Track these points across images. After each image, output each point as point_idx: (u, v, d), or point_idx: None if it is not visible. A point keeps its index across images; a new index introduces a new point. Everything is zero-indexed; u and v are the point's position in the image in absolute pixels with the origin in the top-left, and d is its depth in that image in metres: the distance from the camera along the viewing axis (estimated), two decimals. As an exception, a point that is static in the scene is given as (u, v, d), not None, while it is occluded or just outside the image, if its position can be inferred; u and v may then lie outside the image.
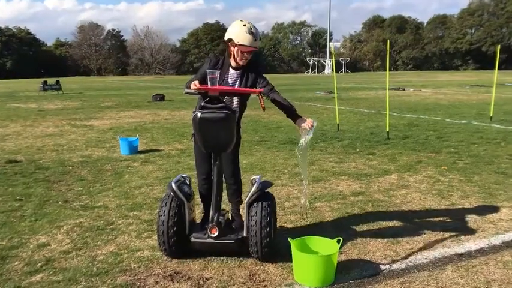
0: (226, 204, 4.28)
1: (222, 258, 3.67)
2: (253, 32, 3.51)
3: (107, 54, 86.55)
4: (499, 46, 13.80)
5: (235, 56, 3.63)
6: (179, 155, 7.87)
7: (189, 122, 11.89)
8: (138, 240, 4.09)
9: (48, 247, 3.95)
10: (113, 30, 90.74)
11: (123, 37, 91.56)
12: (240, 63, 3.66)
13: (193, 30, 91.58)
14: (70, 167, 7.01)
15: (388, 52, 9.71)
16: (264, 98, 3.59)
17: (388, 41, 10.11)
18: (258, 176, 3.80)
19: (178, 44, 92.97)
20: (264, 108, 3.53)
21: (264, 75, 3.80)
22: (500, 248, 3.86)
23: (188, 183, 3.95)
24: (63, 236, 4.20)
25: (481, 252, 3.79)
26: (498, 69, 12.76)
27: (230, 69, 3.72)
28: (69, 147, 8.80)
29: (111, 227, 4.43)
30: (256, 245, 3.50)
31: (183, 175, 4.02)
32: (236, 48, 3.57)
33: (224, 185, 3.84)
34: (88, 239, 4.12)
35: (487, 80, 32.20)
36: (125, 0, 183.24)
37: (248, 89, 3.65)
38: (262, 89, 3.59)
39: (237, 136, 3.82)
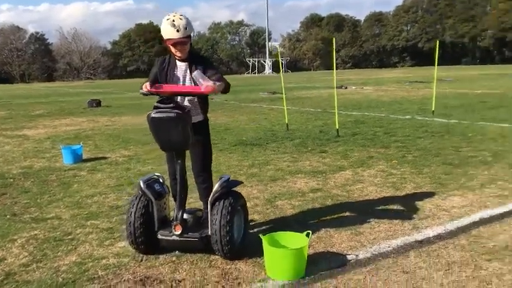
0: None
1: (192, 259, 3.63)
2: (174, 24, 3.51)
3: (30, 59, 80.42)
4: (438, 41, 14.33)
5: (171, 50, 3.68)
6: (128, 161, 7.65)
7: (133, 128, 11.65)
8: (100, 248, 3.96)
9: (5, 261, 3.76)
10: (37, 33, 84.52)
11: (48, 40, 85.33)
12: (177, 55, 3.69)
13: (125, 31, 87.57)
14: (11, 180, 6.65)
15: (333, 50, 9.90)
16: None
17: (334, 38, 10.34)
18: (226, 175, 3.78)
19: (109, 47, 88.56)
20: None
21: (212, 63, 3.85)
22: (456, 232, 4.07)
23: (161, 181, 3.93)
24: (18, 249, 4.00)
25: (439, 237, 3.97)
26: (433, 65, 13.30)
27: (177, 62, 3.76)
28: (6, 158, 8.34)
29: (69, 237, 4.26)
30: (217, 243, 3.51)
31: (157, 174, 4.01)
32: (166, 43, 3.64)
33: None
34: (47, 250, 3.95)
35: (424, 76, 33.46)
36: (47, 0, 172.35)
37: (196, 88, 3.52)
38: (209, 90, 3.41)
39: (205, 133, 3.85)
